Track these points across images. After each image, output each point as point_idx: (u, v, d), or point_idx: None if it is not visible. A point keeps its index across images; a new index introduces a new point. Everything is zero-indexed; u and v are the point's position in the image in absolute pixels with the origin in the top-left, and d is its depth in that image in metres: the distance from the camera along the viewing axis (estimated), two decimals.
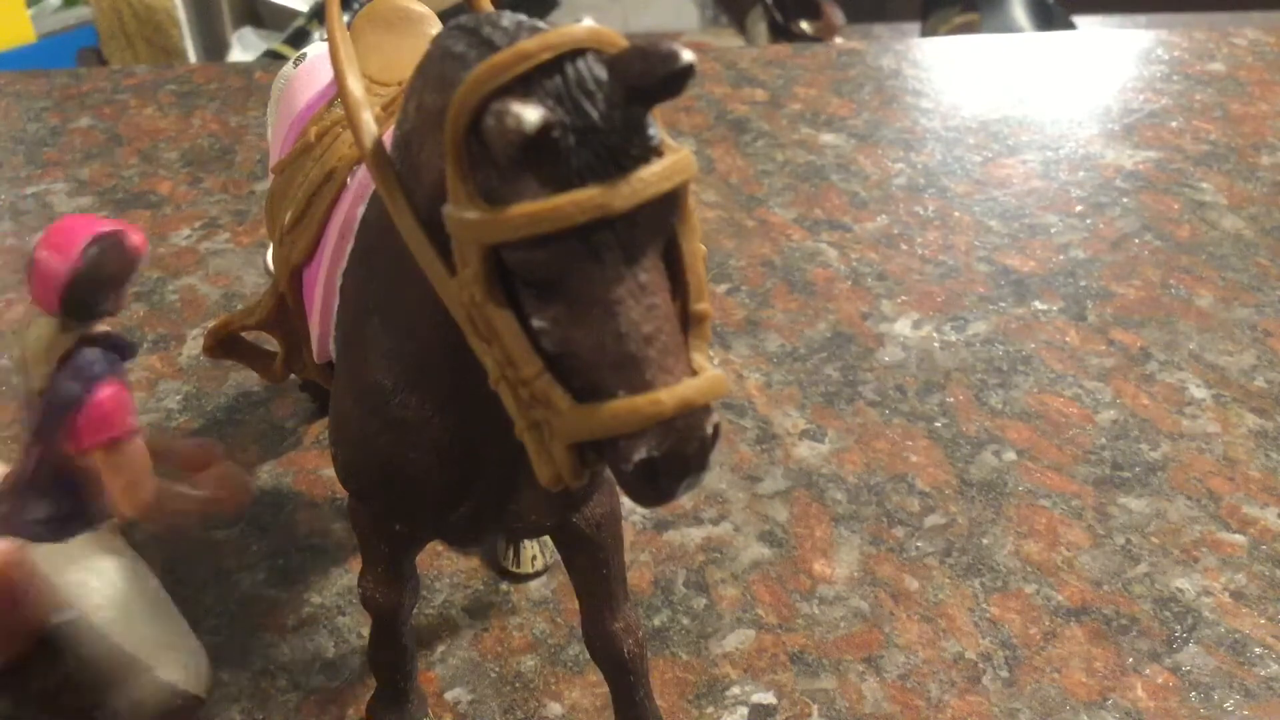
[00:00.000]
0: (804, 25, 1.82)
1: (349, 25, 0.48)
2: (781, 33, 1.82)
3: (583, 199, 0.28)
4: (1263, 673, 0.55)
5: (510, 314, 0.31)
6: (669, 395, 0.29)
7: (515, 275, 0.30)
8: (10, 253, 0.86)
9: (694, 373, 0.31)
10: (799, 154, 1.01)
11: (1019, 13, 1.73)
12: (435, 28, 0.52)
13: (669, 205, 0.30)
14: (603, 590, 0.46)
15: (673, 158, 0.30)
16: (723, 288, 0.83)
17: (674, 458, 0.30)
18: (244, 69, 1.18)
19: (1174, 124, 1.06)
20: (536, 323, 0.31)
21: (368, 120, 0.36)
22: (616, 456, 0.30)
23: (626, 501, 0.51)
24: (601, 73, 0.29)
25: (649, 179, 0.29)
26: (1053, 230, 0.90)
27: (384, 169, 0.34)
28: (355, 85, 0.37)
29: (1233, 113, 1.08)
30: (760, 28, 1.85)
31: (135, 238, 0.46)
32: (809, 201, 0.94)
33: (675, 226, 0.31)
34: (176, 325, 0.79)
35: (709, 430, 0.30)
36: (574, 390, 0.30)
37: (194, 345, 0.77)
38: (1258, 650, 0.57)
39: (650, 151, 0.30)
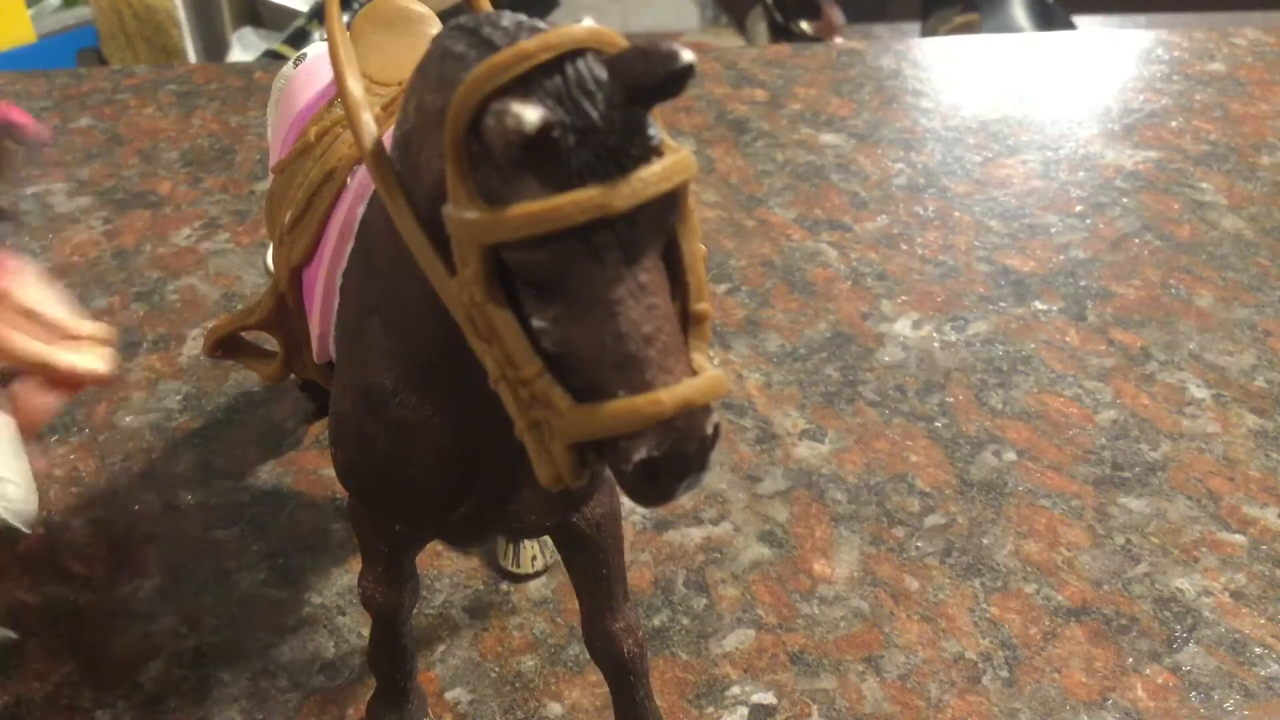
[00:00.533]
0: (804, 25, 1.83)
1: (349, 25, 0.48)
2: (781, 33, 1.82)
3: (583, 199, 0.28)
4: (1263, 673, 0.55)
5: (510, 314, 0.31)
6: (669, 395, 0.29)
7: (515, 275, 0.30)
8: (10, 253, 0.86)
9: (694, 373, 0.31)
10: (799, 154, 1.01)
11: (1019, 13, 1.73)
12: (435, 28, 0.52)
13: (669, 205, 0.30)
14: (603, 590, 0.46)
15: (673, 158, 0.30)
16: (723, 288, 0.83)
17: (674, 458, 0.30)
18: (244, 69, 1.18)
19: (1174, 124, 1.06)
20: (536, 323, 0.31)
21: (367, 120, 0.36)
22: (616, 456, 0.30)
23: (626, 501, 0.51)
24: (601, 73, 0.29)
25: (649, 179, 0.29)
26: (1053, 230, 0.90)
27: (384, 169, 0.34)
28: (355, 85, 0.37)
29: (1233, 113, 1.08)
30: (760, 28, 1.85)
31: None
32: (809, 201, 0.94)
33: (675, 226, 0.31)
34: (176, 325, 0.79)
35: (709, 430, 0.30)
36: (574, 390, 0.30)
37: (194, 345, 0.77)
38: (1258, 650, 0.57)
39: (650, 151, 0.30)
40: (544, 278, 0.30)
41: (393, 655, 0.50)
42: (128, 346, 0.77)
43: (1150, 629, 0.58)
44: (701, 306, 0.32)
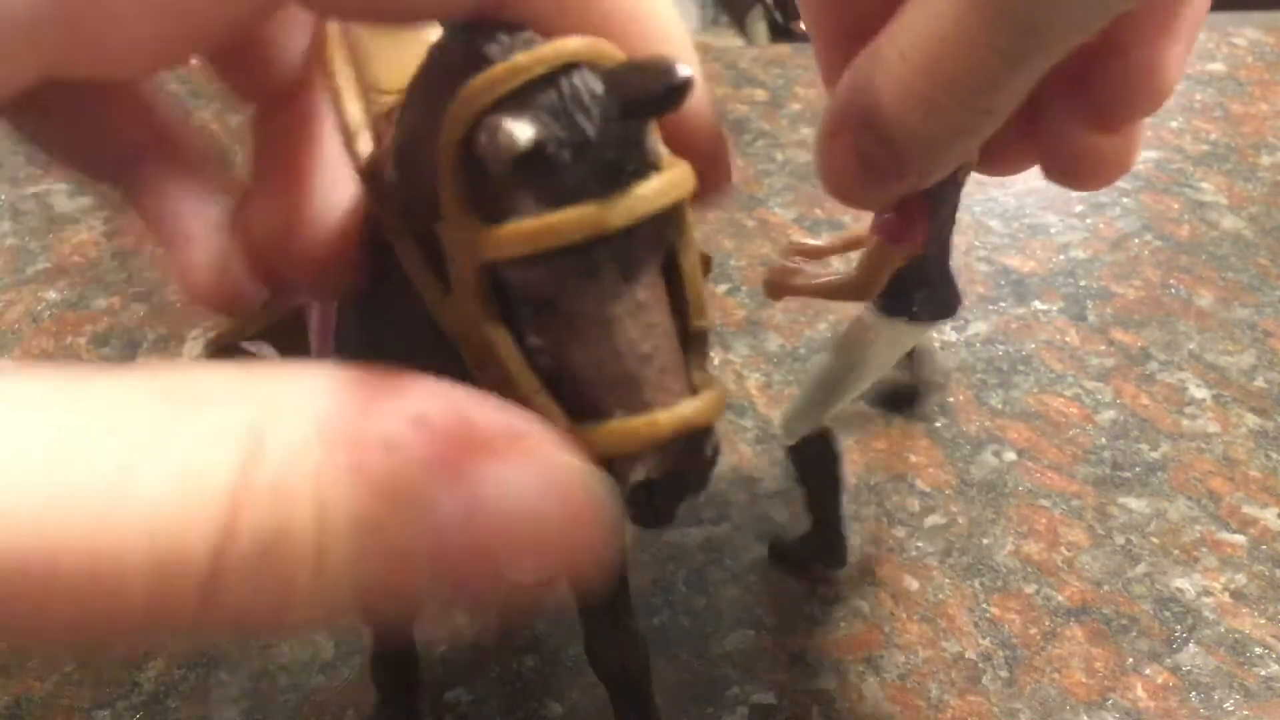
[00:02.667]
0: (804, 25, 1.82)
1: (347, 30, 0.48)
2: (781, 33, 1.82)
3: (579, 216, 0.28)
4: (1263, 673, 0.55)
5: (506, 332, 0.30)
6: (667, 416, 0.29)
7: (511, 293, 0.30)
8: (10, 253, 0.86)
9: (693, 391, 0.30)
10: (799, 154, 1.01)
11: None
12: (435, 33, 0.51)
13: (667, 221, 0.30)
14: (604, 604, 0.46)
15: (671, 173, 0.29)
16: (723, 288, 0.83)
17: (671, 480, 0.29)
18: None
19: (1174, 124, 1.06)
20: (533, 341, 0.30)
21: (362, 143, 0.36)
22: (613, 478, 0.30)
23: None
24: (598, 87, 0.28)
25: (647, 195, 0.29)
26: (1053, 230, 0.90)
27: (377, 188, 0.34)
28: (353, 107, 0.37)
29: (1233, 113, 1.08)
30: (760, 28, 1.85)
31: None
32: (809, 201, 0.94)
33: (674, 242, 0.31)
34: (176, 325, 0.79)
35: (708, 452, 0.30)
36: (571, 410, 0.30)
37: (194, 345, 0.77)
38: (1258, 650, 0.57)
39: (648, 167, 0.29)
40: (540, 296, 0.29)
41: (394, 656, 0.50)
42: (128, 346, 0.77)
43: (1150, 629, 0.58)
44: (701, 323, 0.31)
